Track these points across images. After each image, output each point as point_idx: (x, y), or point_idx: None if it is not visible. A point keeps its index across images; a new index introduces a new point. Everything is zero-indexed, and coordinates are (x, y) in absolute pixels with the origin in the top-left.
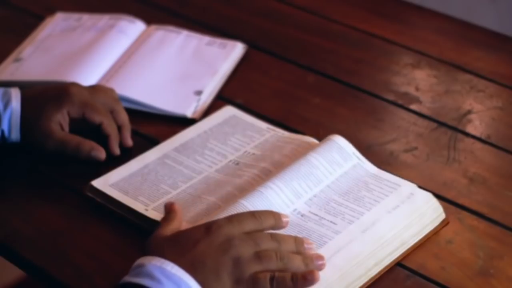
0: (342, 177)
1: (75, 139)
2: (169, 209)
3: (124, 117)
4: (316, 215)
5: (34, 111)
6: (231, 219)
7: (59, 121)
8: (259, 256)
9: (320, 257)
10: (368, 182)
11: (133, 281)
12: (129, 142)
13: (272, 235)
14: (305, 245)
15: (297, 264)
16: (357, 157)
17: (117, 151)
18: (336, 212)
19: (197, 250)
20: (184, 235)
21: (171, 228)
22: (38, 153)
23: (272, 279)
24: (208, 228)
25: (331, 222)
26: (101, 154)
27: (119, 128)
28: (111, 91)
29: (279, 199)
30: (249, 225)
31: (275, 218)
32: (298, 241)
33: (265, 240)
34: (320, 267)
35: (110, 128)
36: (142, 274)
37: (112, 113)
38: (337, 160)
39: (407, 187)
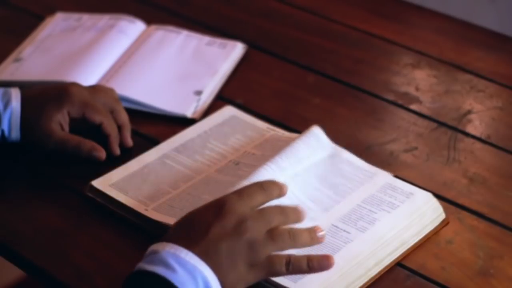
0: (321, 163)
1: (75, 139)
2: None
3: (124, 117)
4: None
5: (35, 111)
6: (241, 194)
7: (59, 121)
8: (272, 236)
9: (319, 229)
10: (344, 169)
11: (147, 269)
12: (129, 142)
13: (280, 209)
14: (303, 215)
15: (305, 238)
16: (333, 147)
17: (117, 151)
18: (314, 198)
19: (211, 235)
20: (196, 217)
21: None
22: (38, 153)
23: (288, 263)
24: (220, 209)
25: (309, 208)
26: (101, 154)
27: (119, 128)
28: (111, 91)
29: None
30: (259, 199)
31: (279, 187)
32: (301, 212)
33: (276, 215)
34: (322, 239)
35: (110, 128)
36: (156, 262)
37: (112, 113)
38: (315, 145)
39: (384, 176)
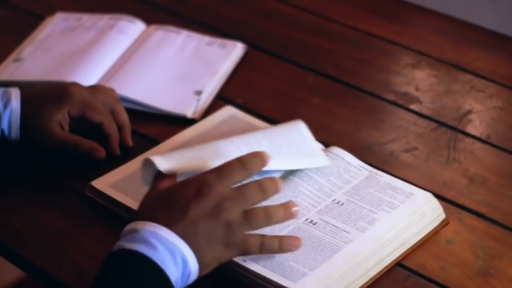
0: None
1: (75, 138)
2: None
3: (124, 117)
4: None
5: (35, 110)
6: (220, 173)
7: (59, 121)
8: (248, 217)
9: (293, 204)
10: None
11: (128, 247)
12: (129, 142)
13: (259, 185)
14: (279, 185)
15: (280, 215)
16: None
17: (117, 151)
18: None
19: (189, 216)
20: (175, 194)
21: (164, 184)
22: (38, 153)
23: (261, 244)
24: (199, 188)
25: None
26: (101, 154)
27: (119, 128)
28: (111, 91)
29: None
30: (238, 177)
31: (260, 158)
32: (276, 183)
33: (254, 193)
34: (296, 214)
35: (110, 128)
36: (136, 240)
37: (113, 113)
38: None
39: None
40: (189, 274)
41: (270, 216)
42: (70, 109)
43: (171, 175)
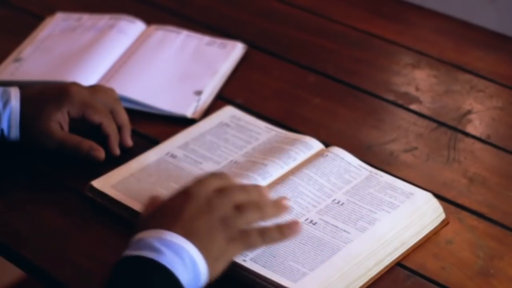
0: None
1: (75, 138)
2: (152, 197)
3: (124, 117)
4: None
5: (34, 110)
6: (200, 181)
7: (59, 121)
8: (239, 209)
9: (284, 197)
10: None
11: (133, 254)
12: (129, 142)
13: (240, 186)
14: (265, 192)
15: (270, 209)
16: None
17: (117, 151)
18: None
19: (185, 216)
20: (166, 206)
21: (151, 206)
22: (38, 153)
23: (262, 233)
24: (186, 193)
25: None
26: (101, 154)
27: (119, 128)
28: (111, 91)
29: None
30: (216, 183)
31: (230, 177)
32: (260, 188)
33: (237, 192)
34: (288, 207)
35: (110, 128)
36: (141, 247)
37: (112, 113)
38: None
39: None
40: (199, 275)
41: (261, 208)
42: (70, 109)
43: (156, 199)
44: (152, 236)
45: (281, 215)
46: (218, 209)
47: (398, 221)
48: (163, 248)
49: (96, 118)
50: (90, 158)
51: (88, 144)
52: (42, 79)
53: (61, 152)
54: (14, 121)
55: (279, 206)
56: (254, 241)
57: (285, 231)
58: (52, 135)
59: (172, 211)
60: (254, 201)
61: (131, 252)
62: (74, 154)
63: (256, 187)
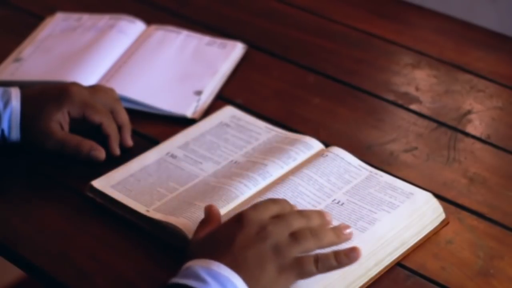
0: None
1: (75, 138)
2: (207, 211)
3: (124, 117)
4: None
5: (34, 110)
6: (256, 206)
7: (59, 121)
8: (295, 237)
9: (346, 226)
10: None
11: (179, 281)
12: (129, 142)
13: (299, 211)
14: (327, 218)
15: (330, 237)
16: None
17: (117, 151)
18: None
19: (236, 245)
20: (218, 233)
21: (207, 230)
22: (38, 153)
23: (316, 261)
24: (238, 221)
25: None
26: (101, 154)
27: (119, 128)
28: (111, 91)
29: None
30: (274, 209)
31: (288, 203)
32: (321, 213)
33: (295, 218)
34: (350, 236)
35: (110, 128)
36: (187, 275)
37: (112, 113)
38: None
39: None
40: None
41: (318, 236)
42: (70, 109)
43: (212, 221)
44: (200, 265)
45: (341, 243)
46: (271, 237)
47: (398, 221)
48: (208, 279)
49: (97, 118)
50: (90, 158)
51: (88, 144)
52: (42, 79)
53: (62, 152)
54: (14, 122)
55: (339, 234)
56: (308, 270)
57: (343, 259)
58: (53, 135)
59: (224, 240)
60: (312, 228)
61: (178, 280)
62: (74, 154)
63: (318, 212)
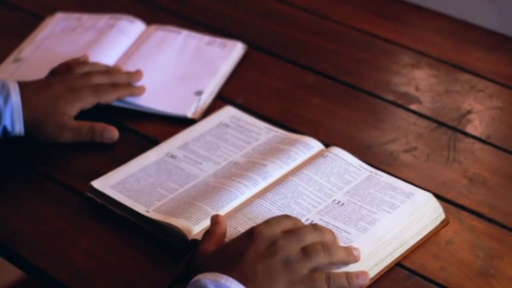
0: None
1: (87, 123)
2: (214, 221)
3: (101, 67)
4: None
5: (45, 107)
6: (268, 221)
7: (71, 114)
8: (306, 252)
9: (355, 248)
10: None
11: None
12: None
13: (313, 226)
14: (354, 252)
15: (341, 255)
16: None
17: (139, 91)
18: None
19: (245, 260)
20: (229, 247)
21: (215, 242)
22: (38, 153)
23: (328, 279)
24: (249, 236)
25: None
26: (114, 132)
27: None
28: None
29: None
30: (286, 224)
31: (300, 220)
32: (333, 232)
33: (308, 232)
34: (359, 258)
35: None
36: None
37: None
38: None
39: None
40: None
41: (330, 252)
42: (84, 105)
43: (218, 231)
44: (209, 278)
45: (351, 263)
46: (282, 251)
47: (398, 221)
48: None
49: (111, 93)
50: (104, 139)
51: (100, 125)
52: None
53: (77, 141)
54: (17, 116)
55: (350, 253)
56: (320, 284)
57: (354, 280)
58: (67, 127)
59: (234, 254)
60: (324, 243)
61: None
62: (90, 139)
63: (328, 229)
